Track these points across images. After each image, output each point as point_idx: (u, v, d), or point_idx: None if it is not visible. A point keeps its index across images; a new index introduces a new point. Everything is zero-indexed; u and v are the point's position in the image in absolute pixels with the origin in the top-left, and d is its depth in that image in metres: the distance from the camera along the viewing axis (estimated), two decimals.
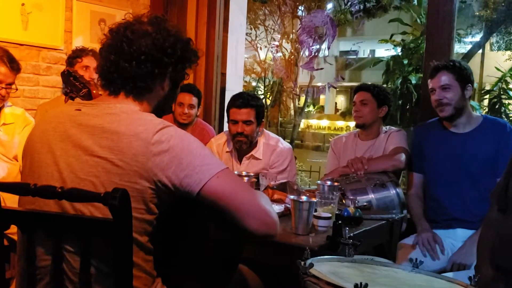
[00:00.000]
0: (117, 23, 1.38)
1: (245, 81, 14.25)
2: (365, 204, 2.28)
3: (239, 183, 1.30)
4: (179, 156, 1.21)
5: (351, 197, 2.26)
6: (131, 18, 1.39)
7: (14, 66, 2.55)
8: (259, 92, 15.44)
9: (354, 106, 2.92)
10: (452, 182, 2.44)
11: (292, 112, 16.54)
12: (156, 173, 1.20)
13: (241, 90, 4.27)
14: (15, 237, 2.33)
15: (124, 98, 1.34)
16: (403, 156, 2.65)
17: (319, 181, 2.36)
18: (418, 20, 13.79)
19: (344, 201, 2.24)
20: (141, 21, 1.37)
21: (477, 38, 14.63)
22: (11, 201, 1.43)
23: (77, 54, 3.07)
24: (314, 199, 1.85)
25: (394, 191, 2.45)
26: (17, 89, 2.64)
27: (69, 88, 2.17)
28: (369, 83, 3.10)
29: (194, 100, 3.35)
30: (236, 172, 2.45)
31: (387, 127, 2.93)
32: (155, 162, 1.19)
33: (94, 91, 2.11)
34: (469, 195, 2.40)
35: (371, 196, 2.41)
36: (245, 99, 2.73)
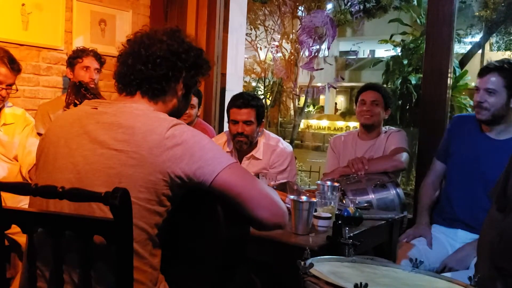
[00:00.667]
0: (135, 33, 1.49)
1: (245, 81, 14.25)
2: (365, 204, 2.29)
3: (249, 175, 1.35)
4: (191, 150, 1.27)
5: (351, 197, 2.27)
6: (148, 29, 1.49)
7: (14, 67, 2.55)
8: (259, 92, 15.44)
9: (362, 104, 2.87)
10: (468, 184, 2.36)
11: (292, 112, 16.54)
12: (170, 165, 1.25)
13: (241, 90, 4.27)
14: (15, 237, 2.34)
15: (140, 98, 1.41)
16: (403, 157, 2.65)
17: (319, 181, 2.36)
18: (418, 21, 13.77)
19: (344, 201, 2.25)
20: (157, 31, 1.46)
21: (477, 38, 14.62)
22: (11, 201, 1.44)
23: (78, 55, 3.08)
24: (314, 199, 1.85)
25: (394, 192, 2.45)
26: (17, 90, 2.64)
27: (79, 99, 2.22)
28: (373, 82, 3.09)
29: (194, 100, 3.36)
30: None
31: (387, 127, 2.94)
32: (169, 155, 1.25)
33: None
34: (480, 202, 2.29)
35: (372, 196, 2.42)
36: (246, 99, 2.73)
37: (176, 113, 1.47)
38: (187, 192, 1.30)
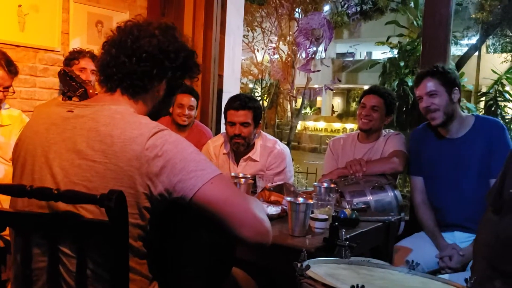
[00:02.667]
0: (126, 21, 1.38)
1: (242, 83, 14.27)
2: (363, 206, 2.29)
3: (233, 190, 1.28)
4: (173, 161, 1.19)
5: (349, 199, 2.27)
6: (142, 20, 1.38)
7: (12, 69, 2.55)
8: (256, 94, 15.46)
9: (362, 108, 2.84)
10: (449, 189, 2.39)
11: (289, 114, 16.56)
12: (150, 178, 1.19)
13: (238, 92, 4.27)
14: None
15: (120, 96, 1.33)
16: (401, 159, 2.66)
17: (315, 183, 2.36)
18: (415, 23, 13.81)
19: (341, 203, 2.25)
20: (151, 23, 1.37)
21: (473, 40, 14.67)
22: (8, 203, 1.42)
23: (74, 56, 3.07)
24: (311, 201, 1.85)
25: (392, 194, 2.45)
26: (14, 92, 2.63)
27: (66, 87, 2.16)
28: (378, 85, 3.05)
29: (193, 102, 3.37)
30: (233, 174, 2.45)
31: (386, 130, 2.93)
32: (149, 167, 1.18)
33: (90, 91, 2.10)
34: (467, 201, 2.33)
35: (369, 198, 2.41)
36: (243, 101, 2.73)
37: (156, 113, 1.40)
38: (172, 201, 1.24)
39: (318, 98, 21.82)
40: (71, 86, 2.11)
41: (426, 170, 2.51)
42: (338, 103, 24.36)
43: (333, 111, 23.78)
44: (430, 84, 2.38)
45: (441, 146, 2.45)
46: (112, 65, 1.32)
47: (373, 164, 2.65)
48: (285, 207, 2.03)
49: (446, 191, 2.42)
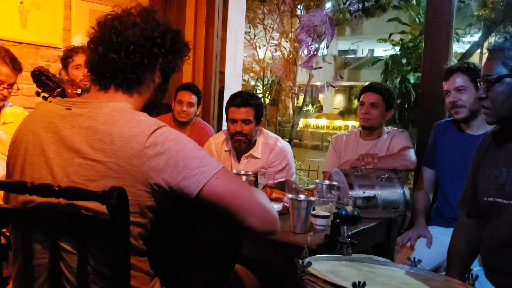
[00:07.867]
0: (104, 15, 1.35)
1: (244, 80, 14.25)
2: (370, 195, 2.30)
3: (238, 182, 1.29)
4: (175, 159, 1.19)
5: (357, 191, 2.28)
6: (120, 10, 1.35)
7: (16, 66, 2.54)
8: (258, 91, 15.45)
9: (362, 106, 2.86)
10: (462, 181, 2.41)
11: (291, 111, 16.56)
12: (152, 176, 1.18)
13: (240, 89, 4.27)
14: None
15: (114, 92, 1.31)
16: (413, 157, 2.65)
17: (317, 180, 2.36)
18: (417, 20, 13.80)
19: (346, 194, 2.25)
20: (130, 13, 1.34)
21: (476, 37, 14.62)
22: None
23: (68, 55, 3.04)
24: (312, 198, 1.85)
25: (400, 189, 2.46)
26: (18, 89, 2.63)
27: (41, 87, 2.10)
28: (375, 82, 3.04)
29: (194, 99, 3.36)
30: (234, 171, 2.46)
31: (389, 127, 2.93)
32: (150, 165, 1.18)
33: (69, 90, 2.05)
34: None
35: (378, 192, 2.42)
36: (244, 98, 2.73)
37: (153, 103, 1.39)
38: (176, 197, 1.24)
39: (320, 96, 21.78)
40: (46, 86, 2.06)
41: (440, 162, 2.54)
42: (340, 100, 24.29)
43: (335, 109, 23.75)
44: (459, 80, 2.40)
45: (459, 140, 2.47)
46: (102, 63, 1.30)
47: (385, 159, 2.65)
48: (286, 204, 2.03)
49: (455, 185, 2.40)
